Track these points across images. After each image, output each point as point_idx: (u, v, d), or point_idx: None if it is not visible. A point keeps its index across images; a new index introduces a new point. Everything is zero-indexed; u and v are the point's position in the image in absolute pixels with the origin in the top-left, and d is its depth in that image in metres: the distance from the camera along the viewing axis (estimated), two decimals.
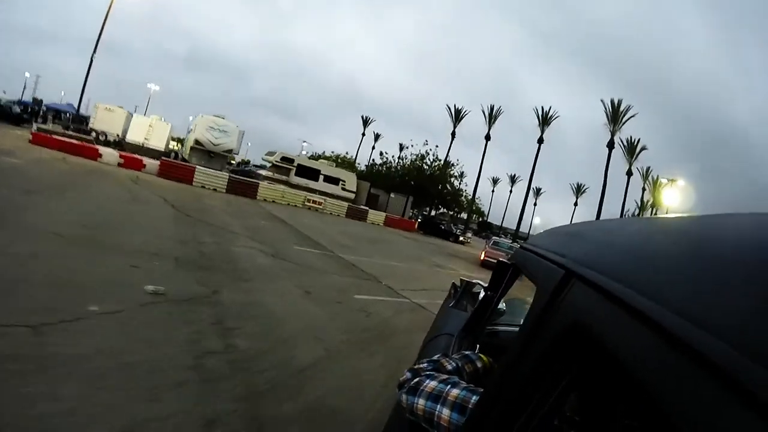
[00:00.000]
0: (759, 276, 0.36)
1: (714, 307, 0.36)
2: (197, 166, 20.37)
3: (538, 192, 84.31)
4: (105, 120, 28.17)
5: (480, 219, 74.37)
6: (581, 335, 0.56)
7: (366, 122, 71.06)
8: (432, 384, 0.97)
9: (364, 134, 70.30)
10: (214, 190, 19.72)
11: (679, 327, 0.37)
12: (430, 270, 12.22)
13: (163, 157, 21.11)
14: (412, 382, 1.01)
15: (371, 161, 38.47)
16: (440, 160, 38.15)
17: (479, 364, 1.22)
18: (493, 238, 26.93)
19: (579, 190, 77.13)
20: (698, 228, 0.56)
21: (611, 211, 46.39)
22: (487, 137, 51.52)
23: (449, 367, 1.14)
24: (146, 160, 19.52)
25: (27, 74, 68.36)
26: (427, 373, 1.05)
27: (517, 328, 2.02)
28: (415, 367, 1.12)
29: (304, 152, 51.50)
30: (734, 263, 0.40)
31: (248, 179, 21.57)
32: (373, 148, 54.79)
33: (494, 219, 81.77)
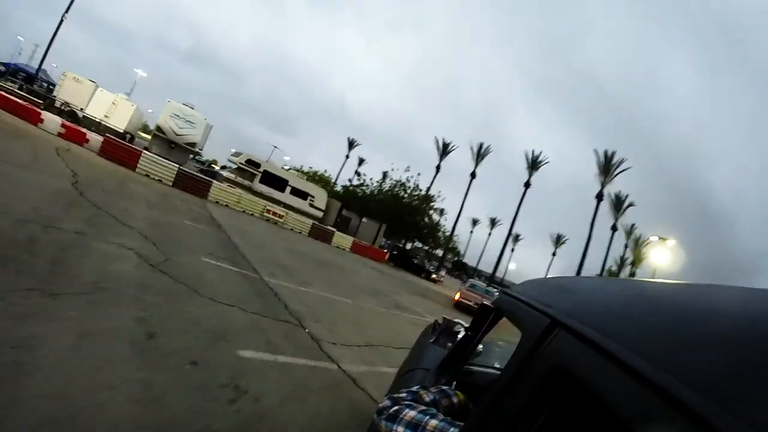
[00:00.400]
0: (733, 341, 0.42)
1: (695, 363, 0.42)
2: (144, 151, 17.79)
3: (516, 238, 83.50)
4: (71, 90, 25.41)
5: (456, 258, 72.55)
6: (564, 380, 0.61)
7: (351, 144, 69.43)
8: (411, 413, 1.00)
9: (348, 156, 68.56)
10: (159, 181, 17.21)
11: (659, 377, 0.42)
12: (386, 313, 9.82)
13: (107, 134, 18.40)
14: (392, 410, 1.04)
15: (349, 182, 35.67)
16: (420, 190, 35.50)
17: (455, 400, 1.26)
18: (470, 280, 26.79)
19: (558, 240, 76.50)
20: (681, 294, 0.62)
21: (589, 266, 45.11)
22: (473, 175, 50.33)
23: (427, 399, 1.17)
24: (92, 136, 17.15)
25: (20, 38, 65.67)
26: (407, 402, 1.09)
27: (491, 369, 2.18)
28: (395, 395, 1.14)
29: (286, 166, 48.66)
30: (713, 328, 0.46)
31: (200, 176, 18.98)
32: (356, 172, 52.37)
33: (469, 260, 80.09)
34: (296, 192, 25.10)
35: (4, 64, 37.55)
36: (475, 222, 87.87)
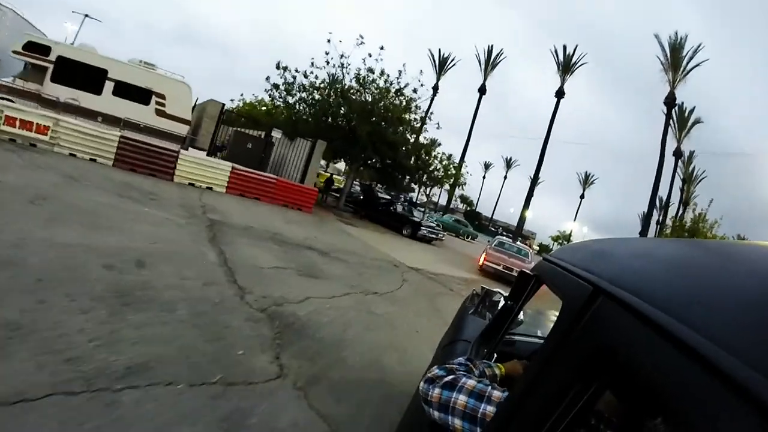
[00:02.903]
0: None
1: (755, 341, 0.36)
2: None
3: (536, 181, 70.51)
4: None
5: (467, 207, 60.48)
6: (606, 351, 0.57)
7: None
8: (471, 382, 0.97)
9: None
10: None
11: (711, 353, 0.37)
12: None
13: None
14: (448, 378, 1.00)
15: (266, 81, 17.18)
16: (389, 79, 16.26)
17: (497, 372, 1.24)
18: (497, 237, 19.13)
19: (587, 180, 63.71)
20: (745, 257, 0.54)
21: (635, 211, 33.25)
22: (482, 90, 38.09)
23: (476, 372, 1.14)
24: None
25: None
26: (462, 372, 1.05)
27: (533, 339, 2.16)
28: (447, 365, 1.10)
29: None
30: None
31: None
32: (281, 66, 37.59)
33: (482, 210, 67.99)
34: (126, 90, 13.34)
35: None
36: (487, 166, 75.10)
